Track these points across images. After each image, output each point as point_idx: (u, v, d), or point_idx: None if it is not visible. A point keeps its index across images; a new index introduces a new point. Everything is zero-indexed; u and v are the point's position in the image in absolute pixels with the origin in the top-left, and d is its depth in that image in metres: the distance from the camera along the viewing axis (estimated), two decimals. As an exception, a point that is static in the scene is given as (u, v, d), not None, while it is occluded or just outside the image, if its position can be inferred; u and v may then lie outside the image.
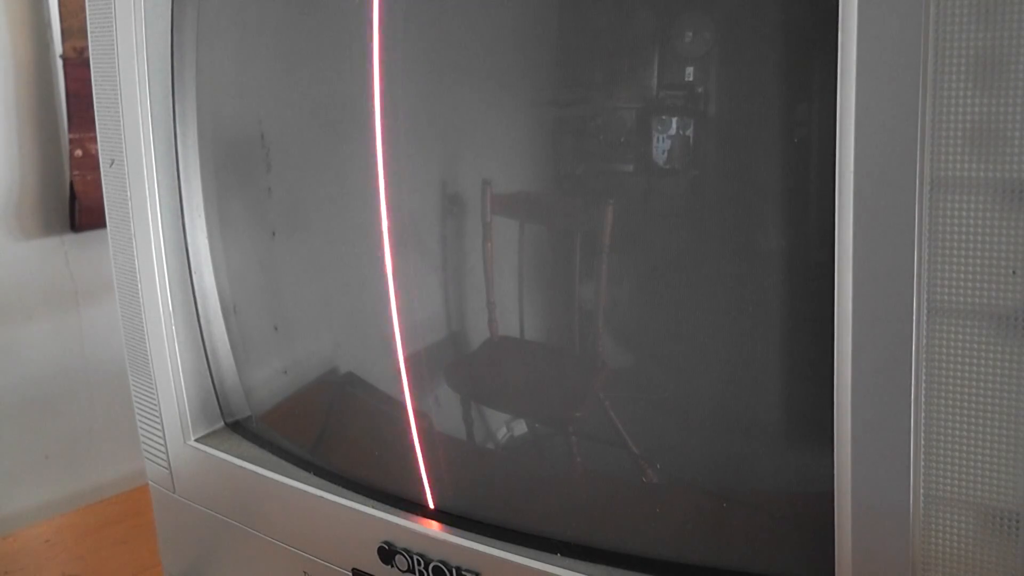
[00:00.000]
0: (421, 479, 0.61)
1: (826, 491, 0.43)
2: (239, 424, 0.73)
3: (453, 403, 0.60)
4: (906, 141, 0.38)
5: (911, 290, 0.39)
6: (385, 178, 0.58)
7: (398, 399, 0.63)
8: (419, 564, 0.58)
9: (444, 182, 0.56)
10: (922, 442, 0.40)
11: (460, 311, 0.58)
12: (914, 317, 0.39)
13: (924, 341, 0.39)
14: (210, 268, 0.70)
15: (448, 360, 0.59)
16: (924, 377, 0.39)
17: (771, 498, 0.50)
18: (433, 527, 0.58)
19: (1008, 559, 0.39)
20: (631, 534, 0.54)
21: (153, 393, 0.72)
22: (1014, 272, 0.37)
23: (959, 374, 0.39)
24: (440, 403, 0.60)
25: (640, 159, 0.49)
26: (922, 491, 0.40)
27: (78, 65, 1.07)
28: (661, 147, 0.48)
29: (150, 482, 0.76)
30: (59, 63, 1.08)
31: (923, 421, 0.40)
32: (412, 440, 0.61)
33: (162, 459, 0.73)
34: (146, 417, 0.74)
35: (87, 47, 0.69)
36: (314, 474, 0.66)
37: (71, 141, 1.09)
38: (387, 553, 0.59)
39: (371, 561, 0.60)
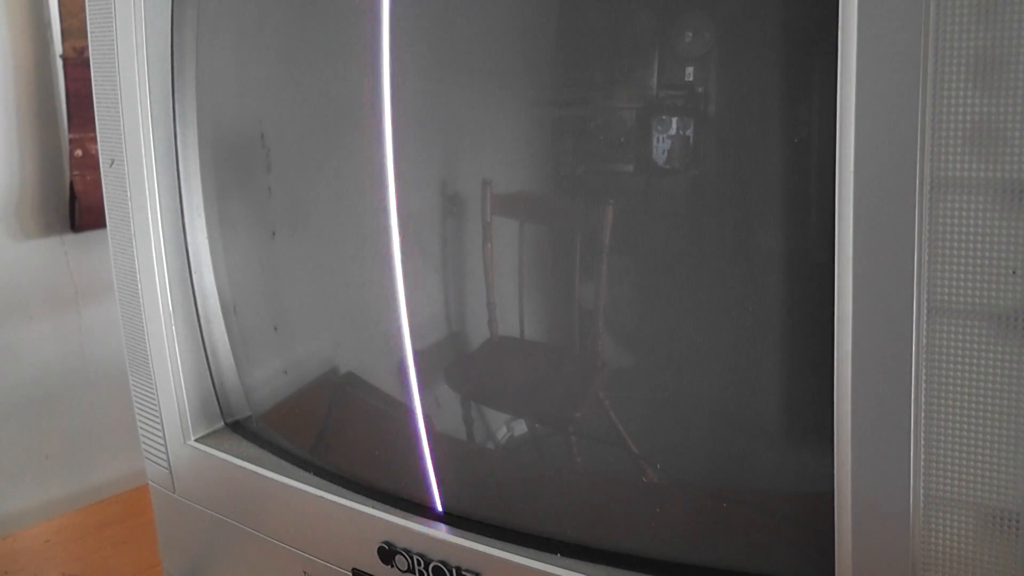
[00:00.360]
0: (421, 479, 0.61)
1: (826, 491, 0.43)
2: (239, 424, 0.73)
3: (454, 403, 0.60)
4: (906, 141, 0.38)
5: (911, 290, 0.39)
6: (389, 178, 0.58)
7: (398, 399, 0.63)
8: (419, 564, 0.58)
9: (447, 182, 0.56)
10: (922, 442, 0.40)
11: (461, 311, 0.58)
12: (914, 317, 0.39)
13: (924, 341, 0.39)
14: (210, 268, 0.70)
15: (449, 360, 0.59)
16: (924, 377, 0.39)
17: (771, 498, 0.50)
18: (433, 527, 0.58)
19: (1008, 559, 0.39)
20: (631, 534, 0.54)
21: (153, 393, 0.72)
22: (1014, 272, 0.37)
23: (959, 374, 0.39)
24: (441, 403, 0.60)
25: (641, 159, 0.49)
26: (922, 491, 0.40)
27: (78, 65, 1.07)
28: (661, 147, 0.48)
29: (150, 482, 0.76)
30: (59, 63, 1.08)
31: (923, 421, 0.40)
32: (412, 440, 0.61)
33: (162, 459, 0.73)
34: (146, 417, 0.74)
35: (87, 47, 0.69)
36: (314, 474, 0.66)
37: (71, 141, 1.09)
38: (387, 553, 0.59)
39: (371, 561, 0.60)
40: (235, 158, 0.67)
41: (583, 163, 0.52)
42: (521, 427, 0.59)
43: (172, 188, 0.68)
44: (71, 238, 1.13)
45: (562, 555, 0.54)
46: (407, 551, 0.59)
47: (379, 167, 0.58)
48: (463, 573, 0.56)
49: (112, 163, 0.69)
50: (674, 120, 0.48)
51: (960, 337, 0.39)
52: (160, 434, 0.73)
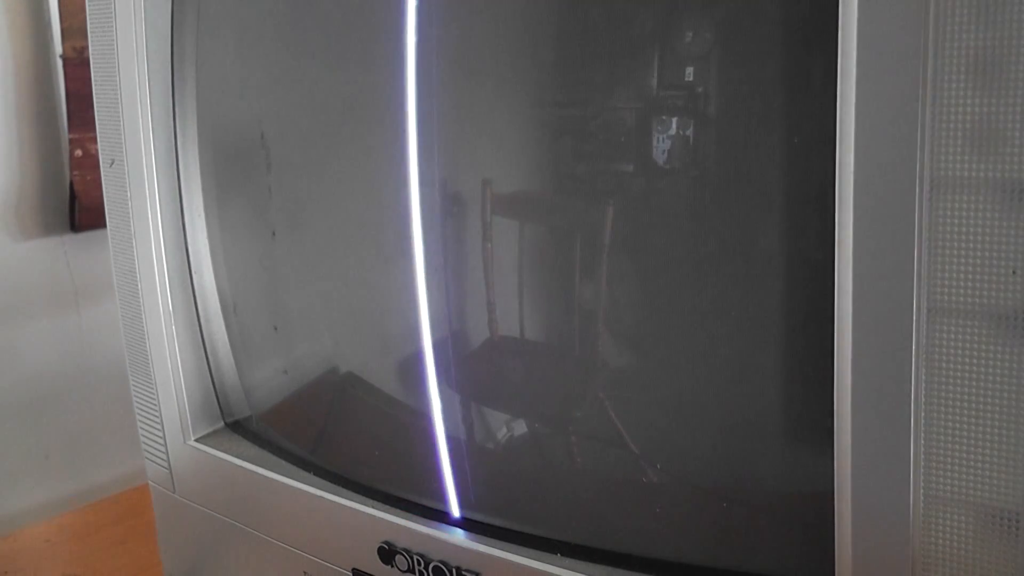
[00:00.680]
0: (421, 479, 0.61)
1: (826, 491, 0.43)
2: (239, 424, 0.73)
3: (454, 403, 0.60)
4: (906, 141, 0.38)
5: (911, 290, 0.39)
6: (390, 178, 0.58)
7: (399, 399, 0.63)
8: (419, 564, 0.58)
9: (448, 181, 0.56)
10: (922, 442, 0.40)
11: (460, 310, 0.58)
12: (914, 317, 0.39)
13: (924, 341, 0.39)
14: (210, 268, 0.70)
15: (449, 360, 0.59)
16: (924, 377, 0.39)
17: (771, 498, 0.50)
18: (433, 527, 0.58)
19: (1008, 559, 0.39)
20: (631, 534, 0.54)
21: (153, 393, 0.72)
22: (1014, 272, 0.37)
23: (959, 374, 0.39)
24: (442, 403, 0.60)
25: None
26: (922, 491, 0.40)
27: (78, 65, 1.07)
28: (661, 147, 0.48)
29: (150, 482, 0.76)
30: (59, 63, 1.08)
31: (923, 421, 0.40)
32: (412, 440, 0.61)
33: (162, 459, 0.73)
34: (146, 417, 0.74)
35: (87, 47, 0.69)
36: (314, 474, 0.66)
37: (71, 141, 1.09)
38: (387, 553, 0.59)
39: (371, 561, 0.60)
40: (235, 158, 0.67)
41: (583, 163, 0.52)
42: (521, 427, 0.59)
43: (172, 188, 0.68)
44: (71, 238, 1.13)
45: (562, 555, 0.54)
46: (407, 551, 0.59)
47: (380, 167, 0.58)
48: (463, 573, 0.56)
49: (112, 163, 0.69)
50: (674, 120, 0.48)
51: (960, 337, 0.39)
52: (160, 434, 0.73)
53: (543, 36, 0.52)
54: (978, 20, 0.36)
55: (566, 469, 0.57)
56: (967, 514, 0.40)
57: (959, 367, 0.39)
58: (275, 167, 0.64)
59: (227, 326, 0.71)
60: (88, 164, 1.09)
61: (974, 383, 0.39)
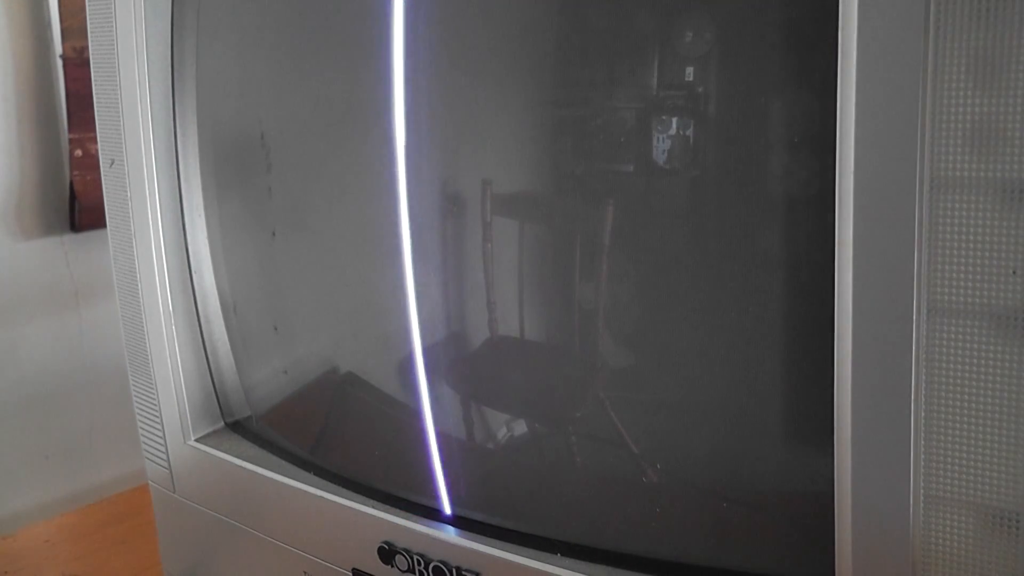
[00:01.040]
0: (422, 479, 0.61)
1: (826, 491, 0.43)
2: (239, 424, 0.73)
3: (455, 403, 0.60)
4: (906, 141, 0.38)
5: (911, 290, 0.39)
6: (390, 178, 0.58)
7: (399, 399, 0.63)
8: (419, 564, 0.58)
9: (449, 181, 0.56)
10: (922, 442, 0.40)
11: (461, 310, 0.58)
12: (914, 317, 0.39)
13: (924, 341, 0.39)
14: (210, 268, 0.70)
15: (450, 360, 0.59)
16: (924, 377, 0.39)
17: (771, 498, 0.50)
18: (433, 527, 0.58)
19: (1008, 559, 0.39)
20: (631, 534, 0.54)
21: (153, 393, 0.72)
22: (1014, 272, 0.37)
23: (959, 374, 0.39)
24: (442, 403, 0.60)
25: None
26: (922, 491, 0.40)
27: (78, 65, 1.07)
28: (661, 147, 0.48)
29: (150, 482, 0.76)
30: (59, 63, 1.08)
31: (923, 421, 0.40)
32: (412, 440, 0.61)
33: (162, 459, 0.73)
34: (146, 417, 0.74)
35: (87, 47, 0.69)
36: (314, 474, 0.66)
37: (71, 141, 1.09)
38: (387, 553, 0.59)
39: (371, 561, 0.60)
40: (235, 158, 0.67)
41: (583, 163, 0.52)
42: (521, 427, 0.59)
43: (172, 188, 0.68)
44: (71, 238, 1.13)
45: (562, 555, 0.54)
46: (407, 551, 0.59)
47: (380, 167, 0.58)
48: (463, 573, 0.56)
49: (112, 163, 0.69)
50: (674, 120, 0.48)
51: (960, 337, 0.39)
52: (160, 434, 0.73)
53: (543, 36, 0.52)
54: (978, 20, 0.36)
55: (566, 469, 0.57)
56: (967, 514, 0.40)
57: (959, 367, 0.39)
58: (275, 167, 0.64)
59: (227, 326, 0.71)
60: (88, 164, 1.09)
61: (974, 383, 0.39)
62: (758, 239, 0.47)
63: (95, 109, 0.69)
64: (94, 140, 0.72)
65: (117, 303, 0.73)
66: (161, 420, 0.72)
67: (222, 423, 0.73)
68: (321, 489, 0.63)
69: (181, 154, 0.68)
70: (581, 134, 0.51)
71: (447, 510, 0.60)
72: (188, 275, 0.70)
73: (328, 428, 0.69)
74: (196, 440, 0.71)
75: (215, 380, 0.72)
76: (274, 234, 0.66)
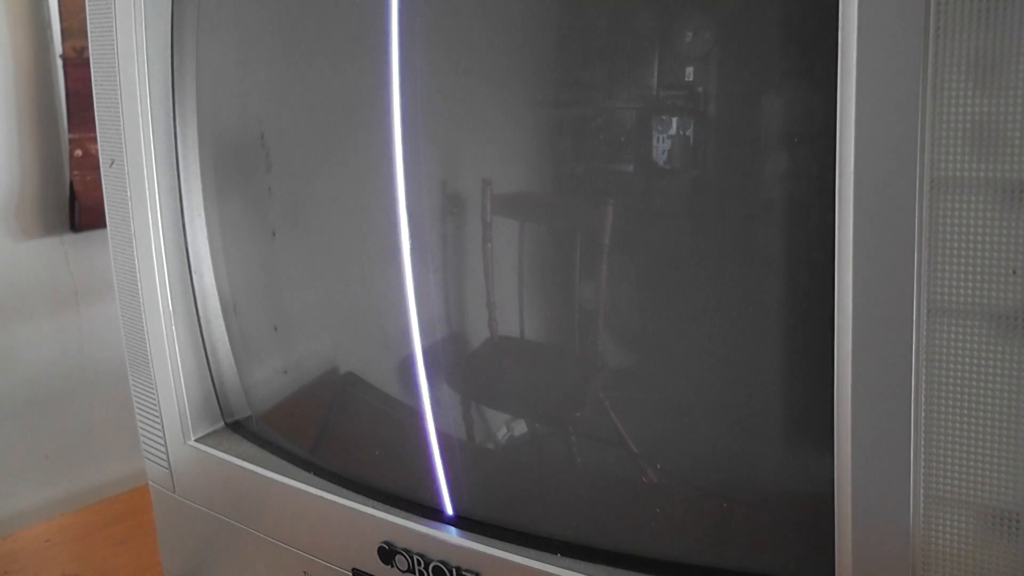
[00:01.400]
0: (422, 479, 0.61)
1: (826, 491, 0.43)
2: (239, 424, 0.73)
3: (455, 403, 0.60)
4: (906, 141, 0.38)
5: (911, 290, 0.39)
6: (391, 178, 0.58)
7: (399, 399, 0.63)
8: (419, 564, 0.58)
9: (450, 181, 0.56)
10: (922, 442, 0.40)
11: (462, 311, 0.58)
12: (914, 317, 0.39)
13: (924, 341, 0.39)
14: (210, 268, 0.70)
15: (450, 360, 0.59)
16: (924, 377, 0.39)
17: (771, 498, 0.50)
18: (433, 527, 0.58)
19: (1008, 559, 0.39)
20: (631, 534, 0.54)
21: (153, 393, 0.72)
22: (1014, 272, 0.37)
23: (959, 374, 0.39)
24: (442, 403, 0.60)
25: (648, 159, 0.49)
26: (922, 491, 0.40)
27: (78, 65, 1.07)
28: (661, 147, 0.48)
29: (150, 482, 0.76)
30: (59, 63, 1.08)
31: (923, 421, 0.40)
32: (412, 440, 0.61)
33: (162, 459, 0.73)
34: (146, 417, 0.74)
35: (87, 47, 0.69)
36: (314, 474, 0.66)
37: (71, 141, 1.09)
38: (387, 553, 0.59)
39: (371, 561, 0.60)
40: (235, 158, 0.67)
41: (583, 163, 0.52)
42: (521, 427, 0.59)
43: (172, 188, 0.68)
44: (71, 238, 1.13)
45: (562, 555, 0.54)
46: (407, 551, 0.59)
47: (380, 167, 0.58)
48: (463, 573, 0.56)
49: (112, 163, 0.69)
50: (674, 120, 0.48)
51: (960, 337, 0.39)
52: (160, 434, 0.73)
53: (543, 36, 0.52)
54: (978, 20, 0.36)
55: (566, 469, 0.57)
56: (967, 514, 0.40)
57: (959, 367, 0.39)
58: (275, 167, 0.64)
59: (227, 326, 0.71)
60: (88, 164, 1.09)
61: (974, 383, 0.39)
62: (758, 239, 0.47)
63: (95, 109, 0.69)
64: (94, 140, 0.72)
65: (117, 303, 0.73)
66: (161, 420, 0.72)
67: (222, 423, 0.73)
68: (321, 489, 0.63)
69: (181, 154, 0.68)
70: (581, 134, 0.51)
71: (447, 510, 0.60)
72: (188, 275, 0.70)
73: (328, 428, 0.69)
74: (196, 440, 0.71)
75: (215, 380, 0.72)
76: (274, 234, 0.66)
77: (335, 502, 0.62)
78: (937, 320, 0.39)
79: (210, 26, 0.66)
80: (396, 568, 0.59)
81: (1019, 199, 0.37)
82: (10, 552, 0.93)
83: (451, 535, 0.57)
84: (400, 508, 0.60)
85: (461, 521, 0.59)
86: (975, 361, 0.39)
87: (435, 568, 0.57)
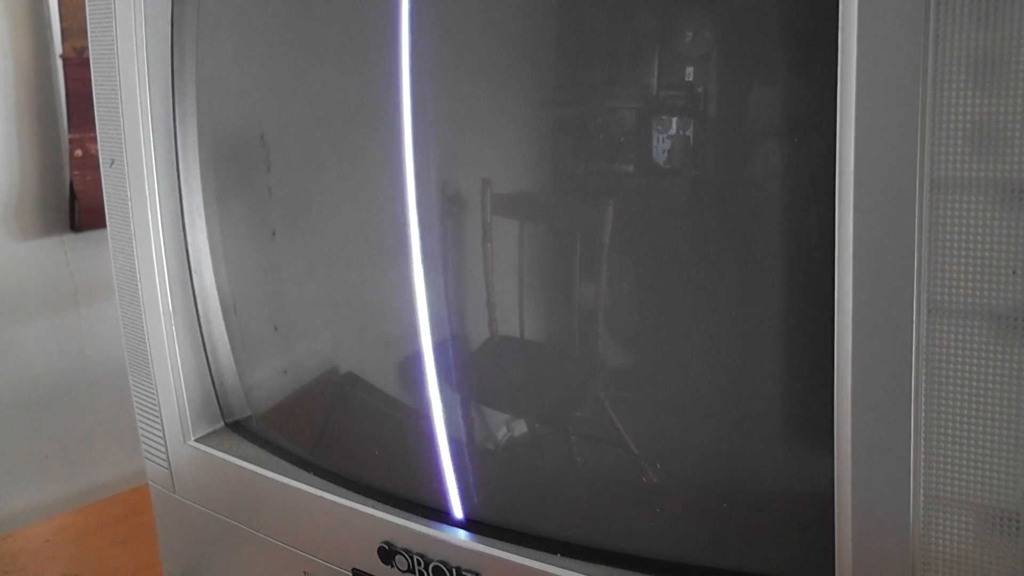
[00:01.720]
0: (422, 479, 0.61)
1: (826, 491, 0.43)
2: (239, 424, 0.73)
3: (455, 403, 0.60)
4: (906, 141, 0.38)
5: (911, 290, 0.39)
6: (390, 178, 0.58)
7: (399, 399, 0.63)
8: (419, 564, 0.58)
9: (450, 181, 0.56)
10: (922, 442, 0.40)
11: (462, 311, 0.58)
12: (914, 317, 0.39)
13: (924, 341, 0.39)
14: (210, 268, 0.70)
15: (450, 360, 0.59)
16: (924, 377, 0.39)
17: (771, 498, 0.50)
18: (433, 527, 0.58)
19: (1008, 559, 0.39)
20: (631, 534, 0.54)
21: (153, 393, 0.72)
22: (1014, 272, 0.37)
23: (959, 374, 0.39)
24: (442, 403, 0.60)
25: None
26: (922, 491, 0.40)
27: (78, 65, 1.07)
28: (661, 147, 0.48)
29: (150, 482, 0.76)
30: (59, 63, 1.08)
31: (923, 421, 0.40)
32: (412, 440, 0.61)
33: (162, 459, 0.73)
34: (146, 417, 0.74)
35: (87, 47, 0.69)
36: (314, 474, 0.66)
37: (71, 141, 1.09)
38: (387, 553, 0.59)
39: (371, 561, 0.60)
40: (235, 158, 0.67)
41: (583, 163, 0.52)
42: (521, 427, 0.59)
43: (172, 188, 0.68)
44: (71, 238, 1.13)
45: (562, 555, 0.54)
46: (407, 551, 0.59)
47: (379, 167, 0.58)
48: (463, 573, 0.56)
49: (112, 163, 0.69)
50: (674, 120, 0.48)
51: (960, 337, 0.39)
52: (160, 434, 0.73)
53: (543, 36, 0.52)
54: (978, 20, 0.36)
55: (566, 469, 0.57)
56: (967, 514, 0.40)
57: (959, 367, 0.39)
58: (275, 167, 0.64)
59: (227, 326, 0.71)
60: (88, 164, 1.09)
61: (974, 383, 0.39)
62: (758, 239, 0.47)
63: (95, 109, 0.69)
64: (94, 140, 0.72)
65: (117, 303, 0.73)
66: (161, 420, 0.72)
67: (222, 423, 0.73)
68: (321, 489, 0.63)
69: (181, 154, 0.68)
70: (581, 134, 0.51)
71: (447, 510, 0.60)
72: (188, 275, 0.70)
73: (328, 428, 0.69)
74: (196, 440, 0.71)
75: (215, 380, 0.72)
76: (274, 234, 0.66)
77: (335, 502, 0.62)
78: (937, 320, 0.39)
79: (210, 26, 0.66)
80: (396, 568, 0.59)
81: (1019, 199, 0.37)
82: (10, 552, 0.93)
83: (451, 535, 0.57)
84: (400, 508, 0.60)
85: (461, 521, 0.59)
86: (975, 361, 0.39)
87: (435, 568, 0.57)
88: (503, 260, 0.55)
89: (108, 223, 0.71)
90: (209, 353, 0.71)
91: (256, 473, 0.66)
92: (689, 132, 0.48)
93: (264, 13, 0.63)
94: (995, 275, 0.38)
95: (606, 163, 0.51)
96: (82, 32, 1.04)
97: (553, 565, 0.53)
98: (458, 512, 0.59)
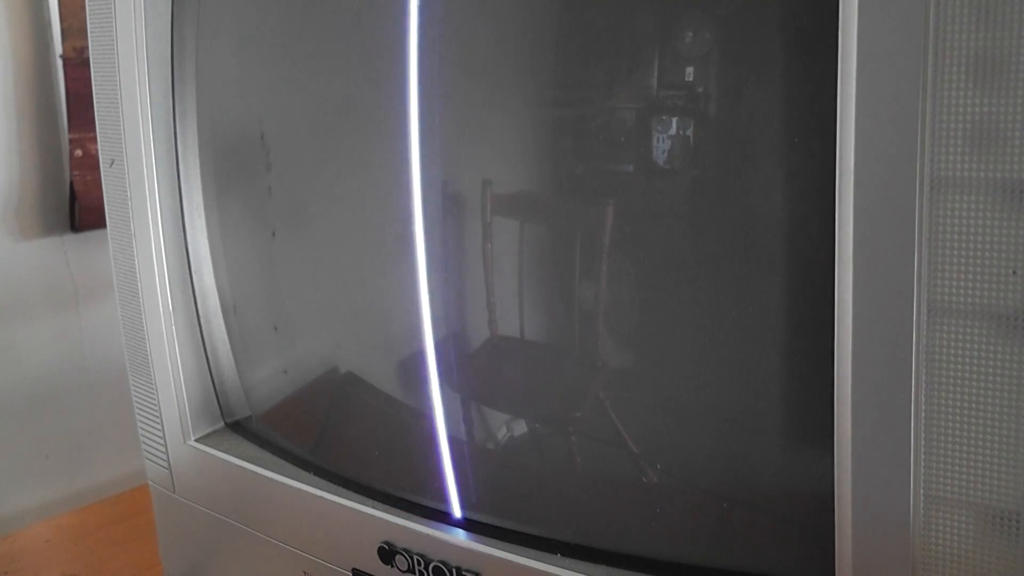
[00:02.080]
0: (422, 479, 0.61)
1: (826, 491, 0.43)
2: (239, 424, 0.73)
3: (455, 404, 0.60)
4: (906, 141, 0.38)
5: (911, 290, 0.39)
6: (390, 178, 0.58)
7: (399, 399, 0.63)
8: (419, 564, 0.58)
9: (450, 181, 0.56)
10: (922, 442, 0.40)
11: (461, 311, 0.58)
12: (914, 317, 0.39)
13: (924, 341, 0.39)
14: (210, 268, 0.70)
15: (450, 360, 0.59)
16: (924, 377, 0.39)
17: (771, 498, 0.50)
18: (433, 527, 0.58)
19: (1008, 559, 0.39)
20: (631, 534, 0.54)
21: (153, 393, 0.72)
22: (1014, 272, 0.37)
23: (959, 374, 0.39)
24: (442, 404, 0.60)
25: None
26: (922, 491, 0.40)
27: (78, 65, 1.07)
28: (661, 147, 0.48)
29: (150, 482, 0.76)
30: (59, 63, 1.08)
31: (923, 421, 0.40)
32: (412, 440, 0.61)
33: (162, 459, 0.73)
34: (146, 417, 0.74)
35: (87, 47, 0.69)
36: (314, 474, 0.66)
37: (71, 141, 1.09)
38: (387, 553, 0.59)
39: (371, 561, 0.60)
40: (235, 158, 0.67)
41: (583, 163, 0.52)
42: (521, 427, 0.59)
43: (172, 188, 0.68)
44: (71, 238, 1.13)
45: (562, 555, 0.54)
46: (407, 551, 0.59)
47: (380, 167, 0.58)
48: (463, 573, 0.56)
49: (112, 163, 0.69)
50: (674, 120, 0.48)
51: (960, 337, 0.39)
52: (160, 434, 0.73)
53: (543, 36, 0.52)
54: (978, 20, 0.36)
55: (566, 469, 0.57)
56: (967, 514, 0.40)
57: (959, 367, 0.39)
58: (275, 167, 0.64)
59: (227, 326, 0.71)
60: (88, 164, 1.09)
61: (974, 383, 0.39)
62: (758, 239, 0.47)
63: (95, 109, 0.69)
64: (94, 140, 0.72)
65: (117, 303, 0.73)
66: (161, 420, 0.72)
67: (222, 423, 0.73)
68: (321, 489, 0.63)
69: (181, 154, 0.68)
70: (581, 134, 0.51)
71: (447, 510, 0.60)
72: (188, 275, 0.70)
73: (328, 428, 0.69)
74: (196, 440, 0.71)
75: (215, 380, 0.72)
76: (274, 234, 0.66)
77: (335, 502, 0.62)
78: (937, 320, 0.39)
79: (210, 26, 0.66)
80: (396, 568, 0.59)
81: (1019, 199, 0.37)
82: (10, 552, 0.93)
83: (451, 535, 0.57)
84: (400, 508, 0.60)
85: (461, 521, 0.59)
86: (975, 361, 0.39)
87: (435, 568, 0.57)
88: (504, 260, 0.55)
89: (108, 223, 0.71)
90: (209, 353, 0.71)
91: (256, 473, 0.66)
92: (689, 132, 0.48)
93: (264, 13, 0.63)
94: (995, 275, 0.38)
95: (606, 163, 0.51)
96: (82, 32, 1.04)
97: (553, 565, 0.53)
98: (458, 512, 0.59)
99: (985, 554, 0.40)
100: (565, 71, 0.52)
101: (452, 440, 0.60)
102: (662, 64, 0.48)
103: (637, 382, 0.54)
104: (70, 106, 1.08)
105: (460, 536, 0.57)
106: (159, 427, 0.72)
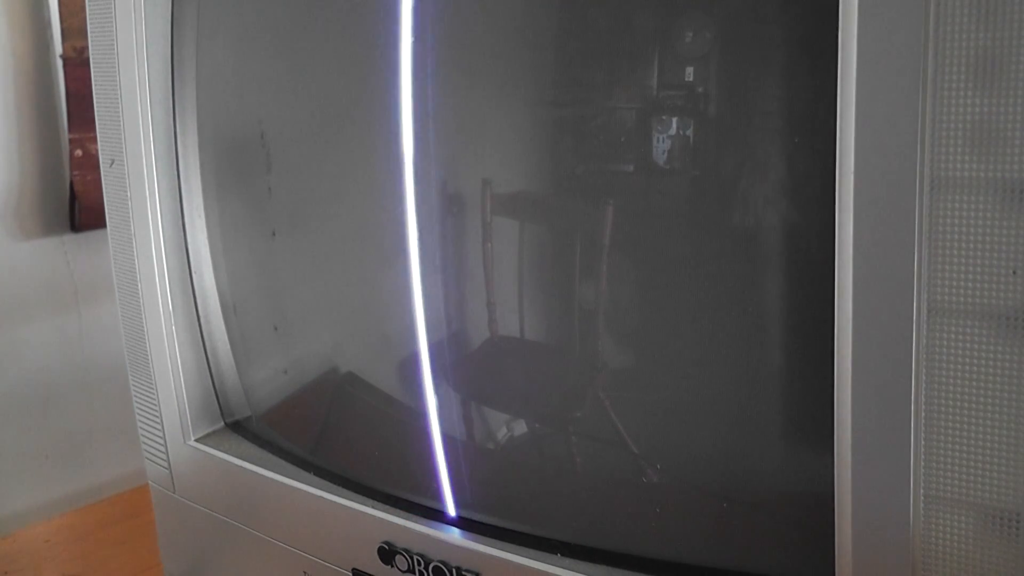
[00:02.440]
0: (422, 479, 0.61)
1: (826, 491, 0.43)
2: (239, 424, 0.73)
3: (455, 403, 0.60)
4: (906, 141, 0.38)
5: (911, 290, 0.39)
6: (390, 178, 0.58)
7: (399, 399, 0.63)
8: (419, 564, 0.58)
9: (450, 181, 0.56)
10: (922, 442, 0.40)
11: (462, 311, 0.58)
12: (914, 317, 0.39)
13: (924, 341, 0.39)
14: (210, 268, 0.70)
15: (450, 360, 0.59)
16: (924, 377, 0.39)
17: (771, 498, 0.50)
18: (433, 527, 0.58)
19: (1008, 559, 0.39)
20: (631, 534, 0.54)
21: (153, 393, 0.72)
22: (1014, 272, 0.37)
23: (959, 374, 0.39)
24: (442, 404, 0.60)
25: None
26: (922, 491, 0.40)
27: (78, 65, 1.07)
28: (661, 147, 0.48)
29: (150, 482, 0.76)
30: (59, 63, 1.08)
31: (923, 421, 0.40)
32: (412, 440, 0.61)
33: (162, 459, 0.73)
34: (146, 417, 0.74)
35: (87, 47, 0.69)
36: (314, 474, 0.66)
37: (71, 141, 1.09)
38: (387, 553, 0.59)
39: (371, 561, 0.60)
40: (235, 158, 0.67)
41: (583, 163, 0.52)
42: (521, 427, 0.59)
43: (172, 188, 0.68)
44: (71, 238, 1.13)
45: (562, 555, 0.54)
46: (407, 551, 0.59)
47: (380, 167, 0.58)
48: (463, 573, 0.56)
49: (112, 163, 0.69)
50: (674, 120, 0.48)
51: (960, 337, 0.39)
52: (160, 434, 0.73)
53: (542, 36, 0.52)
54: (978, 20, 0.36)
55: (566, 469, 0.57)
56: (967, 514, 0.40)
57: (959, 367, 0.39)
58: (275, 167, 0.64)
59: (227, 326, 0.71)
60: (88, 164, 1.09)
61: (974, 383, 0.39)
62: (758, 239, 0.47)
63: (95, 109, 0.69)
64: (94, 140, 0.72)
65: (117, 303, 0.73)
66: (161, 420, 0.72)
67: (222, 423, 0.73)
68: (321, 489, 0.63)
69: (181, 154, 0.68)
70: (581, 134, 0.51)
71: (447, 510, 0.60)
72: (188, 275, 0.70)
73: (328, 428, 0.69)
74: (196, 440, 0.71)
75: (215, 380, 0.72)
76: (274, 234, 0.66)
77: (335, 502, 0.62)
78: (937, 320, 0.39)
79: (210, 26, 0.66)
80: (396, 568, 0.59)
81: (1019, 199, 0.37)
82: (10, 552, 0.93)
83: (451, 535, 0.57)
84: (400, 508, 0.60)
85: (461, 521, 0.59)
86: (975, 361, 0.39)
87: (435, 568, 0.57)
88: (503, 260, 0.55)
89: (108, 223, 0.71)
90: (209, 353, 0.71)
91: (256, 473, 0.66)
92: (689, 132, 0.48)
93: (264, 13, 0.63)
94: (995, 275, 0.38)
95: (606, 163, 0.51)
96: (82, 32, 1.04)
97: (553, 565, 0.53)
98: (459, 512, 0.59)
99: (985, 554, 0.40)
100: (565, 71, 0.52)
101: (452, 440, 0.60)
102: (662, 64, 0.48)
103: (637, 382, 0.54)
104: (70, 106, 1.08)
105: (460, 536, 0.57)
106: (159, 427, 0.72)
